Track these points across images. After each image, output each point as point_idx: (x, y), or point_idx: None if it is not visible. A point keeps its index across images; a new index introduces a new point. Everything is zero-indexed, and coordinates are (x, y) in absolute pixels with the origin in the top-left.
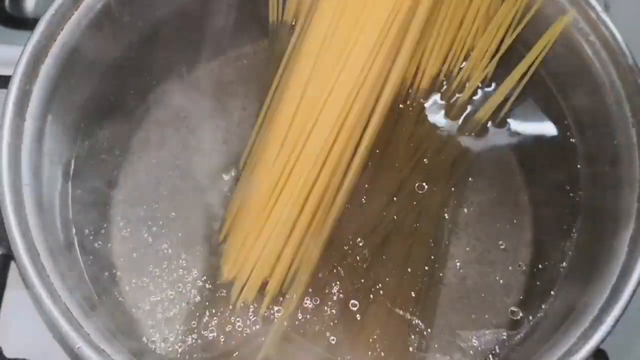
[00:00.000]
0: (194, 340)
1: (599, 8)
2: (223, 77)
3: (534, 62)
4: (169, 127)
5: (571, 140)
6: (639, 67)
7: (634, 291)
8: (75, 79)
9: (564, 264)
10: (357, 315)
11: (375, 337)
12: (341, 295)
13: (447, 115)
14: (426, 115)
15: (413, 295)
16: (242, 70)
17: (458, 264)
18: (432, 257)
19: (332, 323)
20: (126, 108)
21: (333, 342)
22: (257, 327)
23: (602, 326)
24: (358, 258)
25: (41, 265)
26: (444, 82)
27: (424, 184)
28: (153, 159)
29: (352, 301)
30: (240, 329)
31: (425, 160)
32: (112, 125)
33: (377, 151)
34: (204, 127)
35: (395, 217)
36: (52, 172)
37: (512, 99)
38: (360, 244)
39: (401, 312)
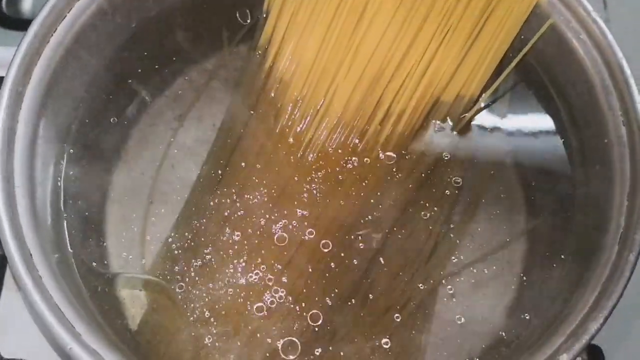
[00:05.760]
0: None
1: (589, 7)
2: (219, 76)
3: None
4: (164, 126)
5: (565, 138)
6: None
7: (624, 290)
8: (68, 81)
9: (556, 262)
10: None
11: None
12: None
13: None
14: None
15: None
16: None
17: (451, 262)
18: (427, 258)
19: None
20: (119, 109)
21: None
22: None
23: (591, 324)
24: (355, 262)
25: (33, 267)
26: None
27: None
28: (147, 160)
29: (349, 303)
30: None
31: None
32: (105, 127)
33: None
34: (198, 127)
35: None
36: (44, 174)
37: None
38: (361, 246)
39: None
